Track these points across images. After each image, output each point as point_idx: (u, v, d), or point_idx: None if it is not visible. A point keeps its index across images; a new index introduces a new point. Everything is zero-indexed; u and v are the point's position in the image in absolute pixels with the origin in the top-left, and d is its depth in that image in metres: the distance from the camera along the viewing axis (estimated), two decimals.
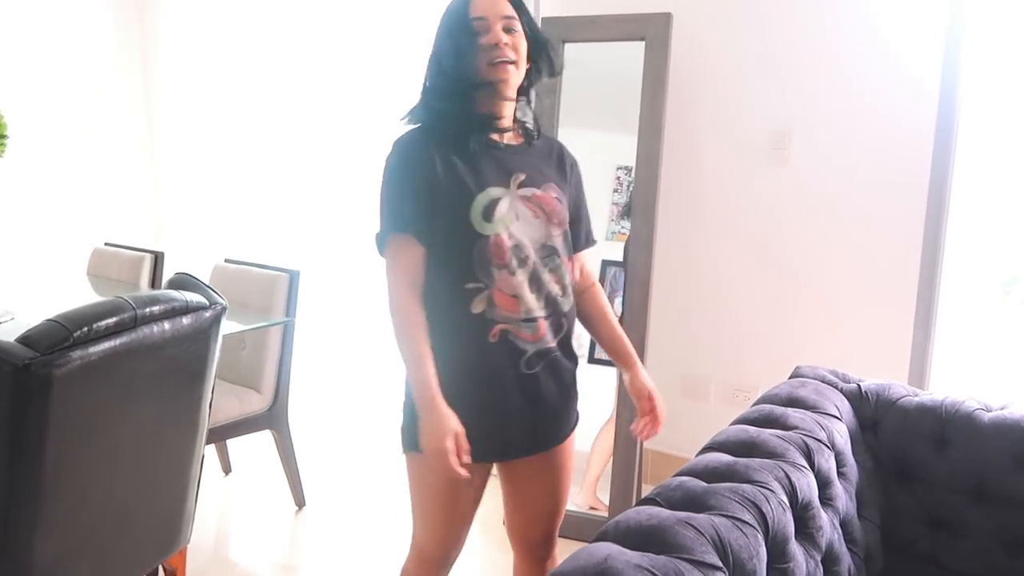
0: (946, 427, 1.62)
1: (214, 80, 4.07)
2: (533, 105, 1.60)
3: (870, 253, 2.57)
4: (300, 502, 2.90)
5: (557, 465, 1.61)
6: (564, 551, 2.39)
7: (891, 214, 2.52)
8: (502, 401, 1.47)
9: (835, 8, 2.54)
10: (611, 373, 2.72)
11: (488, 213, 1.43)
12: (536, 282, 1.47)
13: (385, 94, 3.46)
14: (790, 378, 1.77)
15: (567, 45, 2.75)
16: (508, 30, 1.46)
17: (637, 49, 2.65)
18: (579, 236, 1.63)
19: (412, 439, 1.47)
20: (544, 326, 1.49)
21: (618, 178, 2.84)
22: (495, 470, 1.63)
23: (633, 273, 2.64)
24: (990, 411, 1.62)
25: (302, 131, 3.94)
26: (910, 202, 2.48)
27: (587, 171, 2.50)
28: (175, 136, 4.20)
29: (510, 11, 1.47)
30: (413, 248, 1.44)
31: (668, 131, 2.68)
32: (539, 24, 2.82)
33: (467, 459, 1.37)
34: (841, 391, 1.72)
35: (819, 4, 2.56)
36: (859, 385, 1.74)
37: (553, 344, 1.51)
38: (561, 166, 1.60)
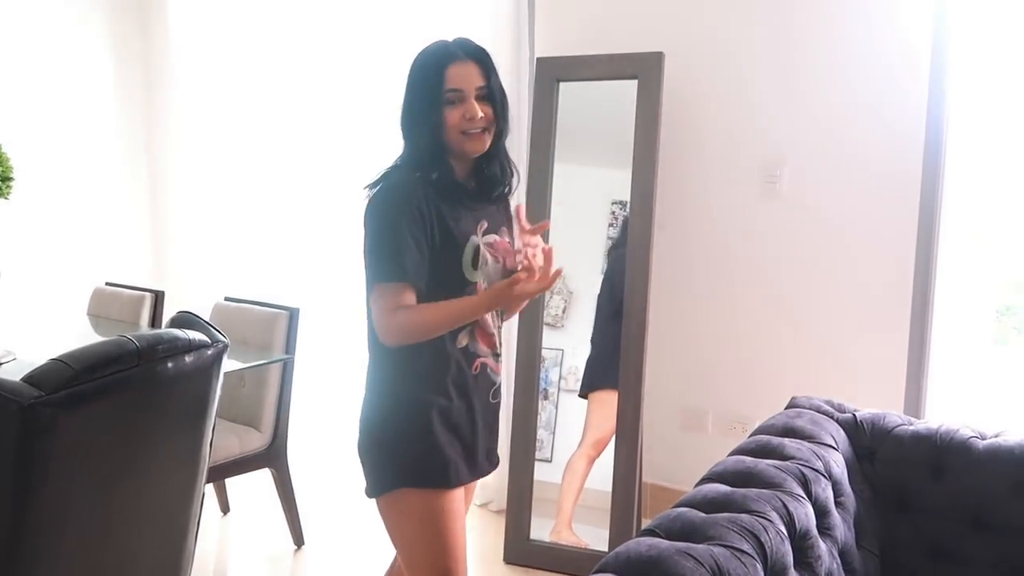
0: (942, 455, 1.63)
1: (213, 121, 4.13)
2: (503, 156, 1.65)
3: (863, 283, 2.60)
4: (299, 541, 2.88)
5: (473, 488, 1.77)
6: None
7: (883, 244, 2.56)
8: (487, 428, 1.64)
9: (822, 44, 2.60)
10: (581, 404, 2.76)
11: (475, 261, 1.56)
12: (495, 322, 1.65)
13: (382, 134, 3.52)
14: (786, 408, 1.79)
15: (561, 84, 2.81)
16: (480, 99, 1.54)
17: (630, 87, 2.71)
18: None
19: (392, 476, 1.56)
20: (501, 359, 1.66)
21: (613, 213, 2.88)
22: None
23: (629, 307, 2.67)
24: (985, 439, 1.63)
25: (300, 169, 3.99)
26: (901, 232, 2.52)
27: (582, 207, 2.56)
28: (175, 176, 4.25)
29: (482, 80, 1.54)
30: (407, 293, 1.50)
31: (661, 166, 2.73)
32: (534, 64, 2.90)
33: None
34: (837, 421, 1.73)
35: (806, 40, 2.63)
36: (855, 415, 1.76)
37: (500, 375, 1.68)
38: (508, 212, 1.70)
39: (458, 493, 1.59)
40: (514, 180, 1.67)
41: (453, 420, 1.56)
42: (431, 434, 1.54)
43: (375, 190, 1.55)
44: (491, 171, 1.61)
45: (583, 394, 2.83)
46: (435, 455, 1.55)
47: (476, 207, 1.60)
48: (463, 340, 1.57)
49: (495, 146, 1.60)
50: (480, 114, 1.53)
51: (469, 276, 1.55)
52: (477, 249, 1.56)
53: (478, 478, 1.68)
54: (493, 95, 1.56)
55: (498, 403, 1.67)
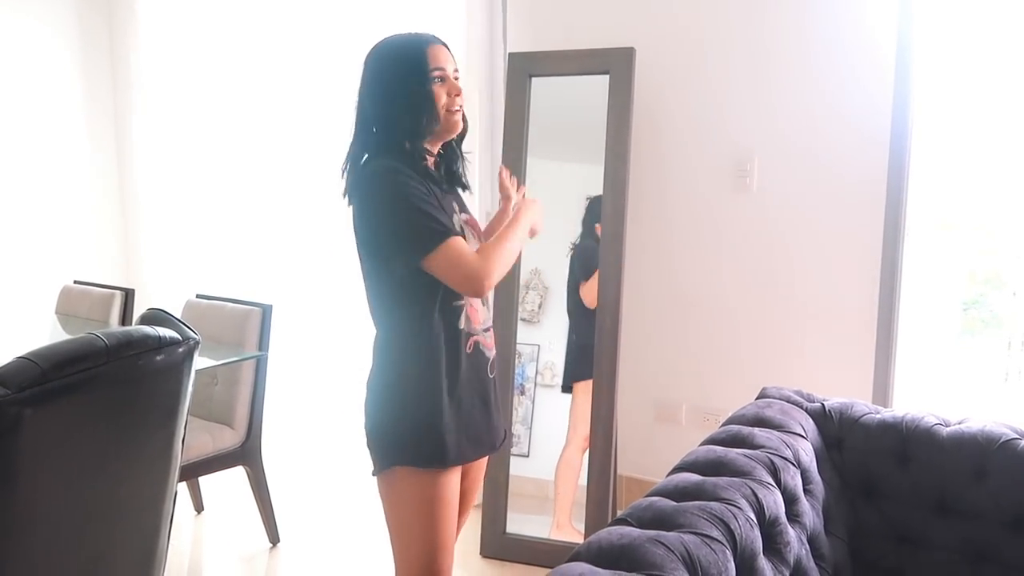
0: (907, 443, 1.67)
1: (182, 116, 4.08)
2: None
3: (832, 276, 2.64)
4: (274, 539, 2.87)
5: (482, 466, 1.80)
6: None
7: (850, 237, 2.60)
8: (485, 404, 1.65)
9: (791, 40, 2.63)
10: (565, 400, 2.76)
11: (464, 237, 1.58)
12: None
13: (351, 130, 3.49)
14: (757, 399, 1.81)
15: (534, 79, 2.82)
16: (455, 80, 1.59)
17: (602, 82, 2.73)
18: None
19: (399, 453, 1.57)
20: (492, 334, 1.69)
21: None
22: None
23: (603, 300, 2.68)
24: (948, 426, 1.67)
25: (271, 165, 3.96)
26: (868, 225, 2.56)
27: (557, 200, 2.56)
28: (144, 172, 4.19)
29: (455, 64, 1.60)
30: (461, 240, 1.52)
31: (634, 161, 2.75)
32: (506, 60, 2.91)
33: None
34: (806, 410, 1.76)
35: (775, 36, 2.66)
36: (823, 404, 1.79)
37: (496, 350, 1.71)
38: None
39: (452, 478, 1.60)
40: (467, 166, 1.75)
41: (450, 400, 1.57)
42: (429, 415, 1.56)
43: (364, 176, 1.53)
44: (455, 157, 1.68)
45: (567, 386, 2.83)
46: (432, 435, 1.56)
47: (447, 189, 1.66)
48: (461, 321, 1.59)
49: (463, 132, 1.65)
50: (463, 90, 1.59)
51: None
52: (463, 225, 1.63)
53: (482, 456, 1.69)
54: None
55: (495, 378, 1.68)
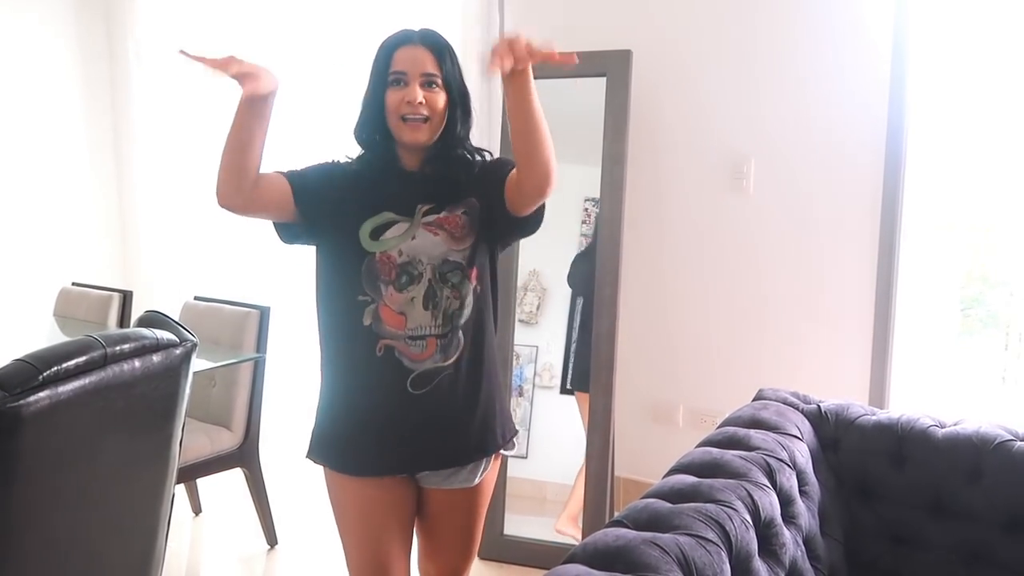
0: (903, 444, 1.67)
1: (180, 119, 4.08)
2: (468, 145, 1.59)
3: (828, 277, 2.65)
4: (272, 541, 2.87)
5: (471, 499, 1.63)
6: None
7: (847, 239, 2.60)
8: (389, 417, 1.53)
9: (788, 43, 2.64)
10: (563, 401, 2.77)
11: (377, 234, 1.50)
12: (431, 298, 1.50)
13: (348, 131, 3.50)
14: (753, 401, 1.82)
15: None
16: (426, 85, 1.48)
17: (599, 85, 2.73)
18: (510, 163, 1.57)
19: (313, 446, 1.62)
20: (434, 344, 1.50)
21: (586, 210, 2.90)
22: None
23: (600, 302, 2.69)
24: (944, 427, 1.67)
25: (269, 166, 3.96)
26: (865, 226, 2.57)
27: (555, 204, 2.56)
28: (142, 174, 4.19)
29: (431, 68, 1.49)
30: (279, 177, 1.57)
31: (631, 163, 2.75)
32: None
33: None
34: (802, 412, 1.77)
35: (772, 39, 2.66)
36: (819, 406, 1.79)
37: (447, 363, 1.51)
38: (479, 175, 1.58)
39: (356, 487, 1.56)
40: (477, 163, 1.59)
41: (343, 402, 1.57)
42: (324, 410, 1.60)
43: None
44: (440, 167, 1.53)
45: (570, 388, 2.82)
46: (318, 433, 1.61)
47: (416, 190, 1.52)
48: (367, 319, 1.49)
49: (445, 141, 1.52)
50: (420, 99, 1.46)
51: (365, 245, 1.49)
52: (390, 224, 1.49)
53: (382, 474, 1.55)
54: (449, 86, 1.50)
55: (425, 394, 1.50)
